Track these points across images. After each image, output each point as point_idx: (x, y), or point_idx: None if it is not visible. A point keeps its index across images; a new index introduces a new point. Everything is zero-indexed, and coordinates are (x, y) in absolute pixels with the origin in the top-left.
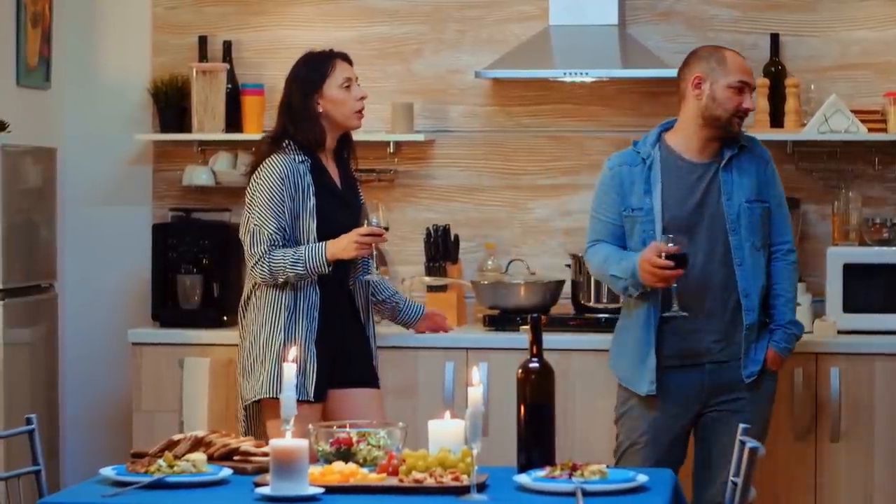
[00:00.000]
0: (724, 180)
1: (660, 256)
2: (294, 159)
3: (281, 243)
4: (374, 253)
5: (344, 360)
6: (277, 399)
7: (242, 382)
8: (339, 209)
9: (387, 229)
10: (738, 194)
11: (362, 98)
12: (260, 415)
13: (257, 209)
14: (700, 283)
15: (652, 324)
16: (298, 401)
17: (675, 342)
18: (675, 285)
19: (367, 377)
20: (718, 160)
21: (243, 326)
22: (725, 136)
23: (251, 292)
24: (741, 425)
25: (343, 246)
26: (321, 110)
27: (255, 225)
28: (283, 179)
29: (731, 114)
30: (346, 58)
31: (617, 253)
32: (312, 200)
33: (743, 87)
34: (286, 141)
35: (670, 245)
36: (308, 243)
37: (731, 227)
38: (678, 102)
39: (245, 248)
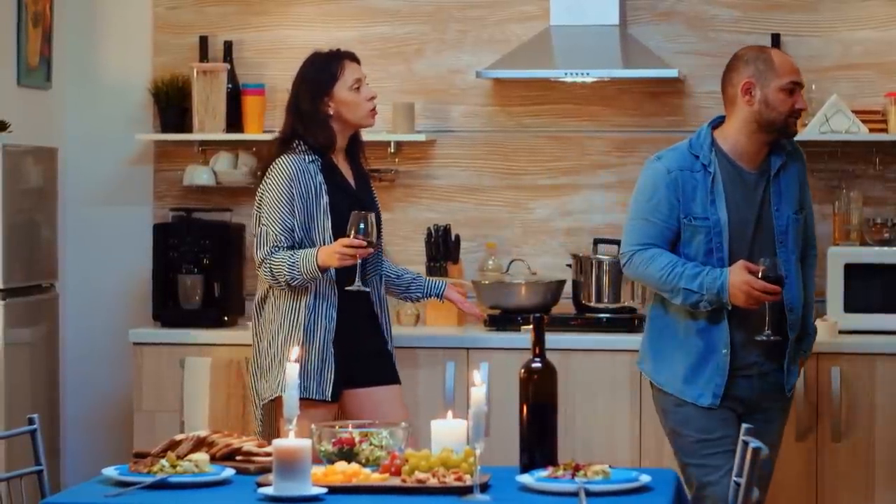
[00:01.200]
0: (774, 191)
1: (756, 276)
2: (304, 159)
3: (287, 245)
4: (359, 262)
5: (363, 359)
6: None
7: (259, 382)
8: (354, 207)
9: (370, 244)
10: (786, 206)
11: (372, 98)
12: (275, 413)
13: (265, 210)
14: None
15: (723, 339)
16: (315, 401)
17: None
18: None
19: (387, 374)
20: (769, 170)
21: (259, 326)
22: (782, 138)
23: (267, 292)
24: (744, 425)
25: (328, 254)
26: (331, 112)
27: (262, 226)
28: (291, 180)
29: (787, 115)
30: (354, 58)
31: (684, 265)
32: (325, 199)
33: (794, 88)
34: (296, 142)
35: (765, 265)
36: (325, 242)
37: (780, 241)
38: (726, 108)
39: (256, 247)
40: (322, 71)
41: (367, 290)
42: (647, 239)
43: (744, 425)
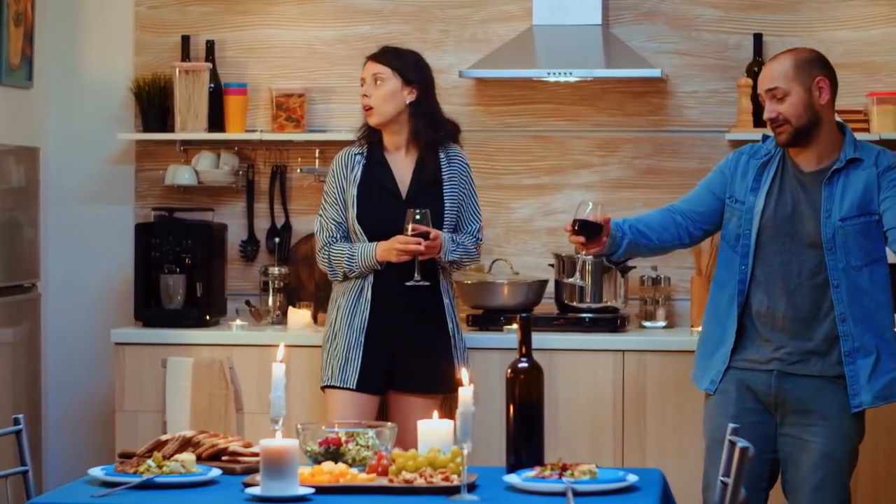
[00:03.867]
0: (826, 195)
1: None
2: (352, 151)
3: (338, 234)
4: (417, 259)
5: (408, 360)
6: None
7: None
8: (390, 204)
9: (425, 237)
10: (838, 211)
11: (365, 96)
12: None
13: (322, 200)
14: (772, 295)
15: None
16: (339, 387)
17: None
18: None
19: (426, 383)
20: (827, 173)
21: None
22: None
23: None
24: (730, 425)
25: (385, 249)
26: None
27: (318, 216)
28: (334, 170)
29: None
30: (371, 56)
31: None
32: (354, 191)
33: (763, 98)
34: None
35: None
36: (356, 234)
37: (827, 246)
38: None
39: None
40: None
41: (426, 283)
42: (679, 202)
43: (730, 425)
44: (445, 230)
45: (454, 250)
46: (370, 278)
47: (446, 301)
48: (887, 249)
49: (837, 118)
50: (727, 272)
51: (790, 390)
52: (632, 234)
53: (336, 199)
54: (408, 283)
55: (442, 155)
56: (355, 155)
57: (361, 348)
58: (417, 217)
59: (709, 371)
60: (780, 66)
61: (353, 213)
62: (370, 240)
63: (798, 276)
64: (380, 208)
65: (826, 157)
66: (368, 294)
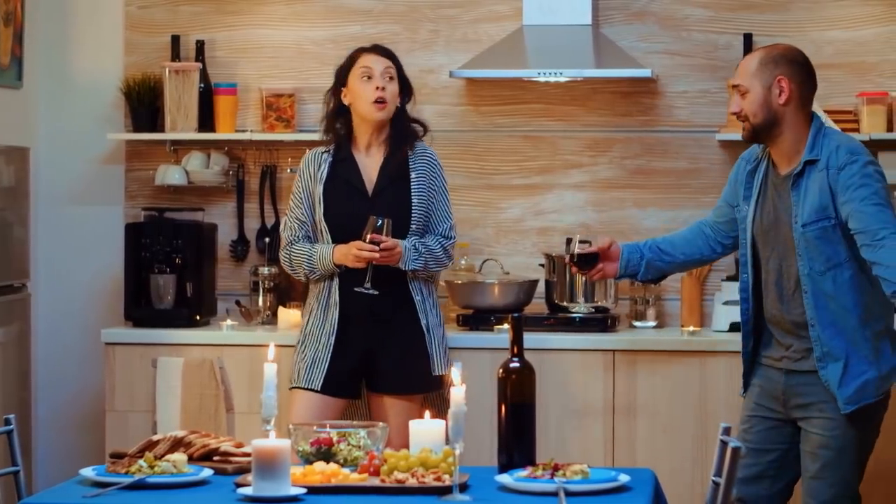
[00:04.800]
0: (794, 201)
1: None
2: (320, 150)
3: (302, 234)
4: (371, 266)
5: (375, 363)
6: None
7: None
8: (357, 201)
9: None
10: (802, 215)
11: (378, 88)
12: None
13: (289, 199)
14: (771, 301)
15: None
16: (303, 389)
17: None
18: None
19: (402, 384)
20: (792, 175)
21: None
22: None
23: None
24: (722, 424)
25: (343, 253)
26: (347, 103)
27: (284, 215)
28: (302, 171)
29: None
30: (374, 50)
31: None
32: (320, 189)
33: (731, 92)
34: (328, 136)
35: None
36: (322, 232)
37: (798, 252)
38: None
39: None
40: (343, 64)
41: (374, 292)
42: (709, 214)
43: (721, 424)
44: (413, 228)
45: (416, 259)
46: (336, 281)
47: (418, 299)
48: (849, 253)
49: (824, 117)
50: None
51: (794, 386)
52: (650, 254)
53: (301, 198)
54: (356, 289)
55: (410, 153)
56: (322, 154)
57: (330, 351)
58: (378, 224)
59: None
60: (748, 61)
61: (319, 210)
62: (334, 238)
63: (788, 281)
64: (346, 205)
65: (794, 158)
66: (336, 297)
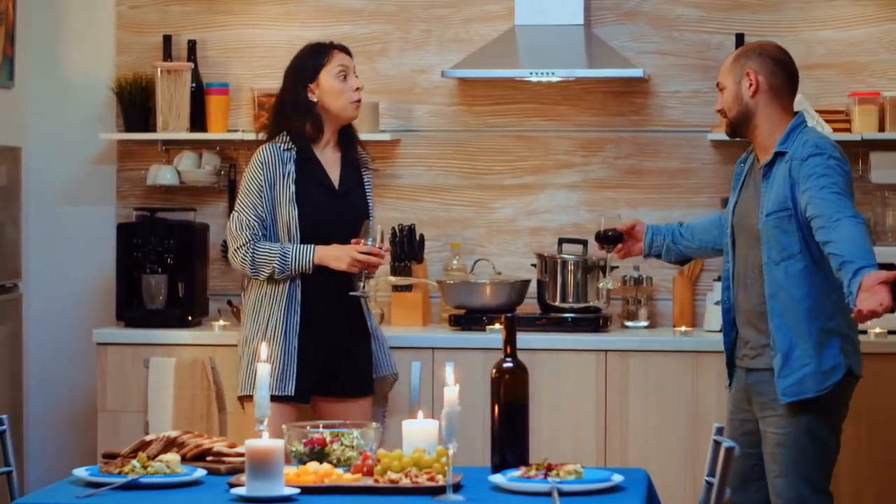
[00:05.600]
0: (763, 191)
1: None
2: (279, 147)
3: (261, 232)
4: (364, 271)
5: (335, 364)
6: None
7: (239, 375)
8: (329, 201)
9: (387, 250)
10: (766, 206)
11: (358, 89)
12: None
13: (240, 196)
14: (739, 291)
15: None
16: (276, 396)
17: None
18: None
19: (359, 387)
20: (764, 166)
21: (243, 319)
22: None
23: (246, 285)
24: (714, 424)
25: (336, 256)
26: (315, 100)
27: (235, 211)
28: (263, 166)
29: None
30: (344, 49)
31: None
32: (292, 188)
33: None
34: (280, 134)
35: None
36: (290, 232)
37: (761, 241)
38: None
39: (228, 234)
40: (309, 59)
41: (367, 295)
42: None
43: (714, 424)
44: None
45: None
46: (299, 283)
47: (362, 303)
48: (802, 244)
49: (816, 117)
50: None
51: (753, 384)
52: (671, 237)
53: (261, 195)
54: (351, 294)
55: (362, 152)
56: (284, 151)
57: (296, 355)
58: (372, 227)
59: None
60: (726, 59)
61: (292, 210)
62: (304, 237)
63: (753, 271)
64: (320, 205)
65: (769, 151)
66: (300, 298)
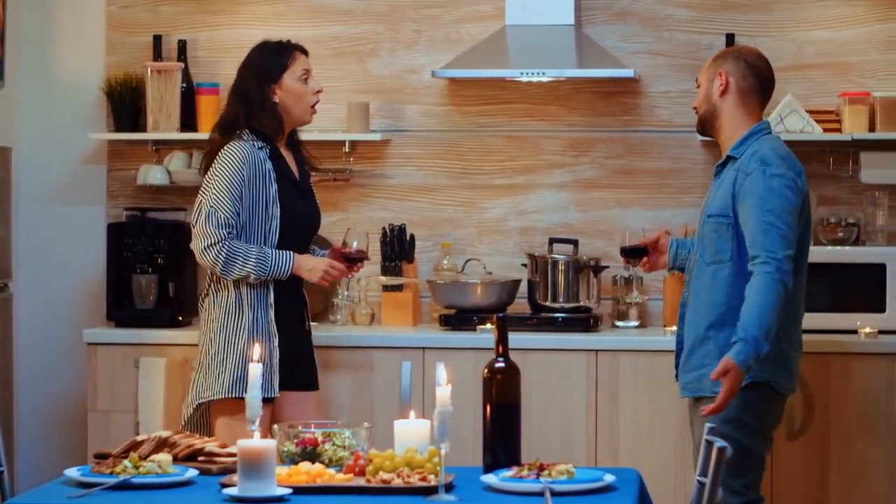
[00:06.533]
0: (710, 191)
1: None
2: (253, 146)
3: (235, 231)
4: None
5: (295, 362)
6: (233, 399)
7: (199, 379)
8: (298, 198)
9: (365, 258)
10: (710, 206)
11: (318, 91)
12: (208, 414)
13: (214, 192)
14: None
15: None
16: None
17: None
18: None
19: (312, 380)
20: (717, 166)
21: (203, 322)
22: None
23: (209, 286)
24: (707, 424)
25: (309, 267)
26: (277, 101)
27: (210, 207)
28: (243, 164)
29: None
30: (304, 50)
31: None
32: (274, 186)
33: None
34: (240, 130)
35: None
36: (267, 232)
37: (698, 238)
38: None
39: (196, 229)
40: (272, 59)
41: None
42: None
43: (707, 424)
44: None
45: None
46: (271, 285)
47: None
48: (733, 253)
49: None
50: None
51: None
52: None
53: (241, 193)
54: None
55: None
56: (259, 150)
57: (277, 355)
58: (355, 244)
59: None
60: (708, 60)
61: (275, 210)
62: (281, 237)
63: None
64: (298, 206)
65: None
66: (272, 299)
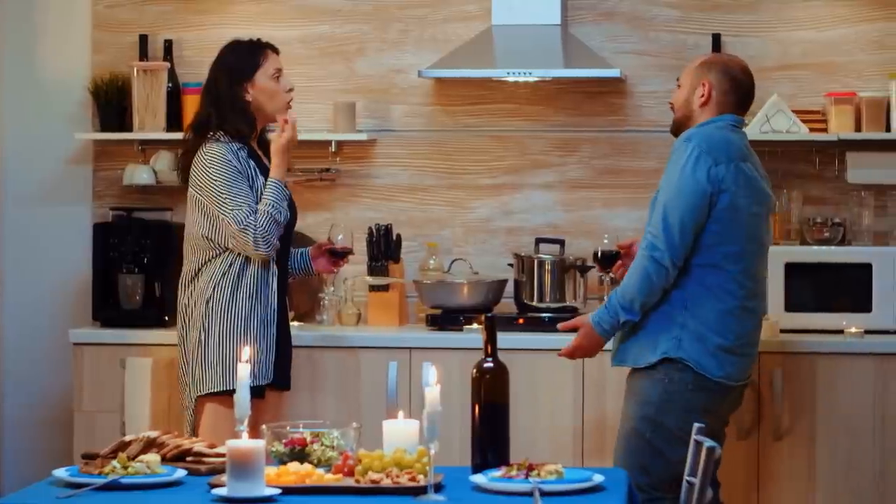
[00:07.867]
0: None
1: None
2: (231, 147)
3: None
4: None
5: (284, 359)
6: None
7: (198, 372)
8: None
9: (350, 252)
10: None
11: (290, 90)
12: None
13: (225, 193)
14: None
15: None
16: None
17: None
18: None
19: (286, 379)
20: None
21: (195, 316)
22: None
23: (194, 278)
24: (695, 424)
25: (278, 163)
26: (250, 100)
27: (232, 209)
28: (230, 159)
29: None
30: (275, 49)
31: None
32: (261, 179)
33: None
34: (213, 132)
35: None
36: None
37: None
38: None
39: (236, 240)
40: (244, 58)
41: None
42: None
43: (696, 424)
44: None
45: None
46: (273, 270)
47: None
48: None
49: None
50: None
51: None
52: None
53: (241, 181)
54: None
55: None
56: (237, 149)
57: (276, 342)
58: (340, 238)
59: None
60: (693, 60)
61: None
62: None
63: None
64: None
65: None
66: (275, 286)
